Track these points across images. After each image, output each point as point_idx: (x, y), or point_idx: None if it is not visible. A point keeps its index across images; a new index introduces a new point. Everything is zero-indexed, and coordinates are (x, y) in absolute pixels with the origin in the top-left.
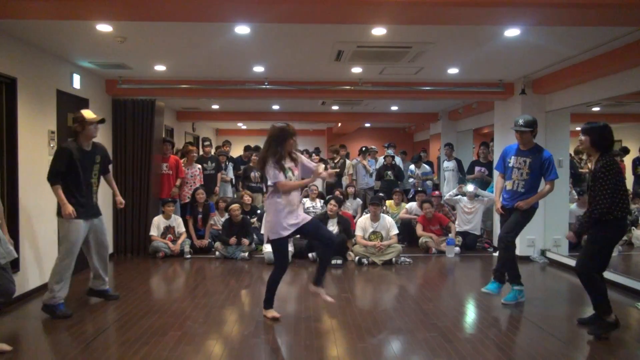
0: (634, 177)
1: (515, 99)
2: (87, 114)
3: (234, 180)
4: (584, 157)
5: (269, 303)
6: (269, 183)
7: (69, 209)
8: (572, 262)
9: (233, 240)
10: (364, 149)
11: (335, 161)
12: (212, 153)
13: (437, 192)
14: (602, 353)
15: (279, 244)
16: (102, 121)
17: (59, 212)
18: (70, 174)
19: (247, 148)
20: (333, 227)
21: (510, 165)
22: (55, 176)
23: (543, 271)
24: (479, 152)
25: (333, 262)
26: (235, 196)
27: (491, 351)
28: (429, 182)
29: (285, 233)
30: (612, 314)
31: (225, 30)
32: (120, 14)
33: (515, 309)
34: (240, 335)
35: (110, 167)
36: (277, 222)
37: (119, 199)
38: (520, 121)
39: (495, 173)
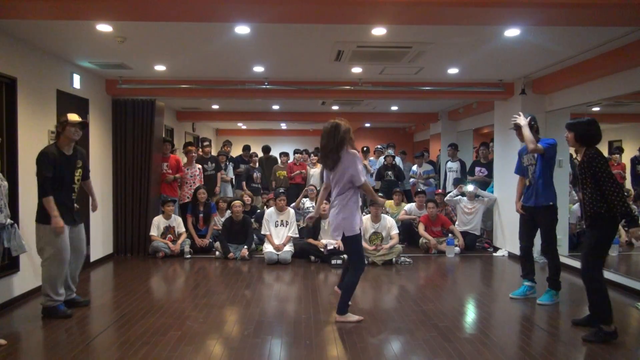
0: (633, 177)
1: (515, 99)
2: (71, 116)
3: (234, 180)
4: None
5: (346, 307)
6: (355, 181)
7: (60, 223)
8: (572, 262)
9: (231, 255)
10: (365, 149)
11: None
12: (212, 153)
13: (439, 191)
14: (601, 353)
15: (358, 239)
16: (84, 125)
17: (40, 219)
18: (52, 178)
19: (245, 147)
20: (326, 227)
21: (525, 164)
22: (46, 188)
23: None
24: (479, 152)
25: (333, 262)
26: (234, 195)
27: (491, 351)
28: (432, 180)
29: (360, 229)
30: (612, 325)
31: (225, 30)
32: (120, 14)
33: (515, 309)
34: (240, 335)
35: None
36: (354, 218)
37: (96, 203)
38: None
39: (515, 177)
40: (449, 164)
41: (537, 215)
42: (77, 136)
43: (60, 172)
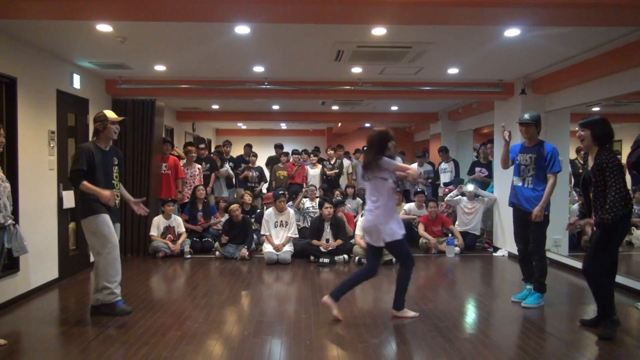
0: (632, 177)
1: (515, 99)
2: (110, 113)
3: (235, 180)
4: (582, 157)
5: (403, 303)
6: (391, 179)
7: (107, 192)
8: (572, 262)
9: (225, 238)
10: (364, 148)
11: (332, 162)
12: (206, 154)
13: (446, 190)
14: (602, 353)
15: (404, 240)
16: (123, 121)
17: (85, 213)
18: (91, 175)
19: (247, 146)
20: (327, 229)
21: (518, 162)
22: (77, 176)
23: None
24: (479, 151)
25: (321, 260)
26: (235, 195)
27: (491, 351)
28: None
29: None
30: (615, 314)
31: (225, 30)
32: (120, 14)
33: (515, 309)
34: (240, 335)
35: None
36: (400, 220)
37: (132, 203)
38: (526, 115)
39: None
40: (443, 165)
41: (527, 216)
42: (116, 135)
43: (99, 168)
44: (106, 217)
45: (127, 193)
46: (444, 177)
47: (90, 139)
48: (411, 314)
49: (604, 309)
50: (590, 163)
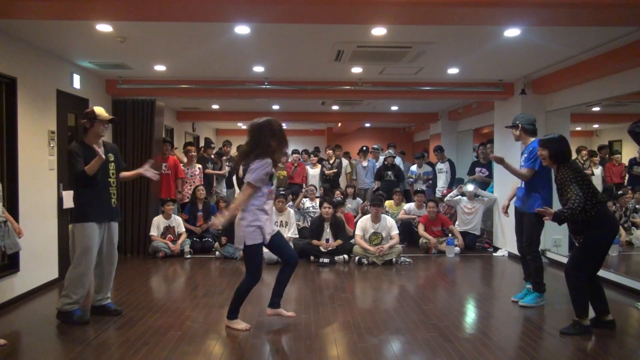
0: (630, 177)
1: (515, 99)
2: (99, 110)
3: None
4: (583, 157)
5: (235, 313)
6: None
7: (100, 152)
8: None
9: (224, 239)
10: (364, 148)
11: (331, 162)
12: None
13: (444, 192)
14: (601, 353)
15: (259, 250)
16: (112, 120)
17: (74, 219)
18: (85, 173)
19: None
20: (327, 229)
21: (520, 164)
22: (81, 177)
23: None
24: (479, 152)
25: (321, 260)
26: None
27: (491, 351)
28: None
29: (268, 238)
30: (587, 319)
31: (225, 30)
32: (120, 14)
33: (515, 309)
34: (240, 335)
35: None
36: (261, 226)
37: (141, 169)
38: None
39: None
40: (439, 165)
41: (522, 216)
42: (105, 132)
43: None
44: (94, 228)
45: (129, 172)
46: (441, 178)
47: None
48: (242, 325)
49: (577, 309)
50: (590, 168)
